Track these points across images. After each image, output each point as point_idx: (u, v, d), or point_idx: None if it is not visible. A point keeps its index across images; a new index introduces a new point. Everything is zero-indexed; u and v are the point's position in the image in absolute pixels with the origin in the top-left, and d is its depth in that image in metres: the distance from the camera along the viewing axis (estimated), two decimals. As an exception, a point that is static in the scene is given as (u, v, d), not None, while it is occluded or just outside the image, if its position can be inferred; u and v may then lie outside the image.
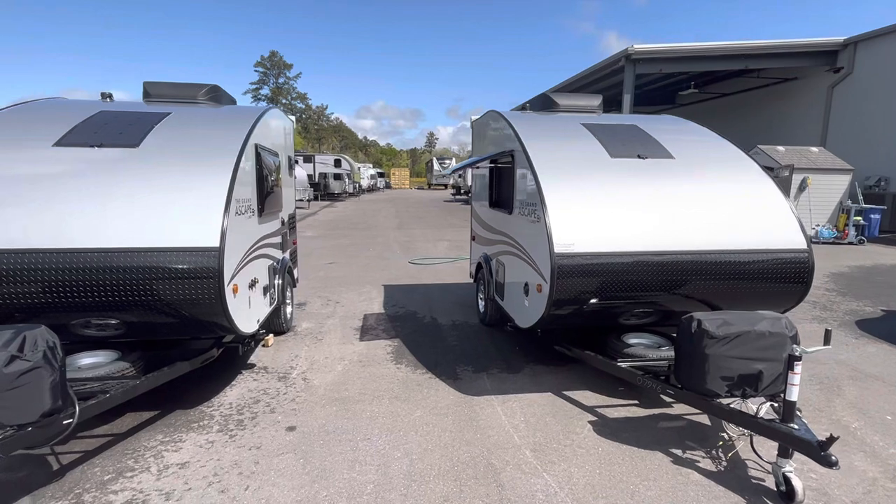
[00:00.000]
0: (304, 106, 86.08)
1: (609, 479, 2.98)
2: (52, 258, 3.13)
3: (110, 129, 4.00)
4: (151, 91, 5.19)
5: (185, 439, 3.39)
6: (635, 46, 16.86)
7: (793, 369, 2.71)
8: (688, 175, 4.24)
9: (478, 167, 6.40)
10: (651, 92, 23.65)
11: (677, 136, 4.82)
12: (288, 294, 5.80)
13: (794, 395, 2.76)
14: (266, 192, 4.60)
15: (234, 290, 3.57)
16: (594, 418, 3.75)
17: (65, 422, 2.74)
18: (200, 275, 3.26)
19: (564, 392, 4.18)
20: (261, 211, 4.42)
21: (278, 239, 5.34)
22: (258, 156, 4.37)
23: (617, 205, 3.93)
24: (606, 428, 3.60)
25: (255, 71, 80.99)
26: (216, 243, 3.31)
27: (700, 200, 4.05)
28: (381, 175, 57.23)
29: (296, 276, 6.40)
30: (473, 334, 5.73)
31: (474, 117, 6.58)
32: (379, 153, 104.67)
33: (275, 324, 5.42)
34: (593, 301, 3.73)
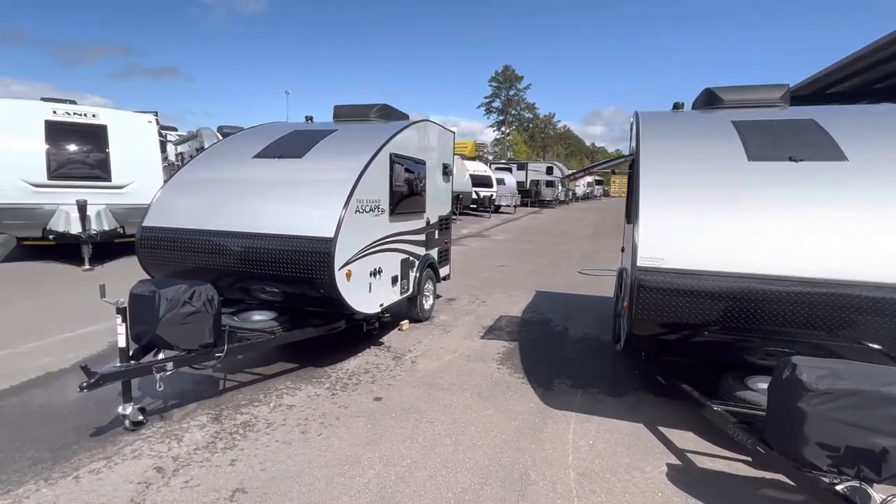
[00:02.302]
0: (531, 115, 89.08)
1: (647, 528, 2.61)
2: (218, 237, 4.36)
3: (292, 144, 5.22)
4: (338, 112, 6.46)
5: (302, 389, 4.25)
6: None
7: (912, 451, 1.94)
8: (859, 182, 3.22)
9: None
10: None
11: (873, 133, 3.67)
12: (429, 288, 6.45)
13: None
14: (401, 195, 5.28)
15: (348, 275, 4.29)
16: (677, 462, 3.23)
17: (216, 354, 3.82)
18: (317, 259, 4.06)
19: (660, 427, 3.67)
20: (392, 211, 5.11)
21: (420, 237, 6.01)
22: (392, 163, 5.06)
23: (736, 217, 3.27)
24: (684, 475, 3.07)
25: (489, 85, 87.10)
26: (331, 234, 4.07)
27: (868, 215, 3.05)
28: (598, 182, 55.26)
29: (443, 273, 7.02)
30: (596, 350, 5.38)
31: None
32: (605, 159, 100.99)
33: (411, 312, 6.11)
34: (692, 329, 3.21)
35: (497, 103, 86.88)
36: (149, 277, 4.54)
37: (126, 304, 3.44)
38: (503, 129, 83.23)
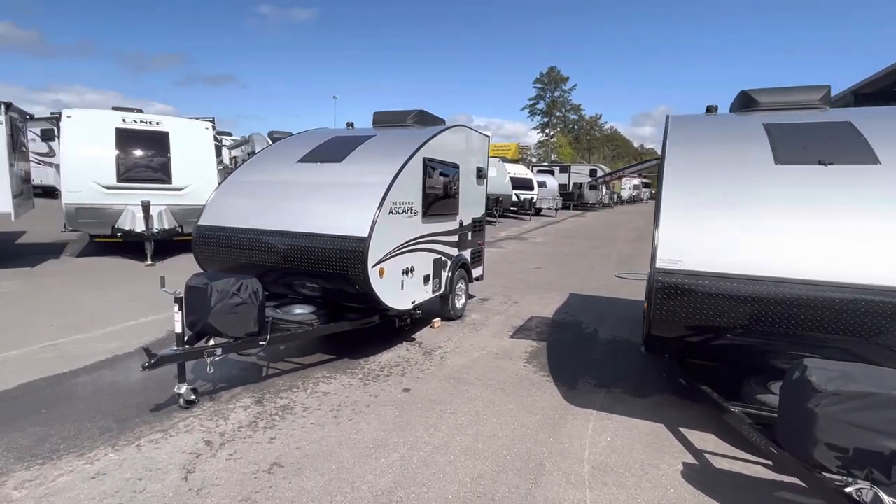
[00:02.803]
0: (577, 117, 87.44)
1: (655, 520, 2.69)
2: (264, 235, 4.73)
3: (333, 149, 5.56)
4: (377, 118, 6.78)
5: (337, 378, 4.54)
6: None
7: (915, 453, 1.96)
8: (889, 186, 3.16)
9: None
10: None
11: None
12: (462, 287, 6.65)
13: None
14: (434, 197, 5.51)
15: (381, 273, 4.56)
16: (694, 461, 3.27)
17: (260, 342, 4.17)
18: (352, 256, 4.35)
19: (681, 428, 3.70)
20: (425, 213, 5.34)
21: (453, 238, 6.23)
22: (426, 167, 5.30)
23: (758, 220, 3.28)
24: (700, 474, 3.12)
25: (534, 87, 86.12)
26: (365, 234, 4.35)
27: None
28: (645, 186, 53.71)
29: (477, 273, 7.20)
30: (624, 353, 5.40)
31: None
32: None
33: (444, 310, 6.32)
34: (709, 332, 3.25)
35: (541, 105, 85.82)
36: (202, 271, 4.97)
37: (182, 295, 3.83)
38: (547, 130, 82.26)
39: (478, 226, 7.11)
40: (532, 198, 25.42)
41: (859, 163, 3.36)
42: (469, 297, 7.18)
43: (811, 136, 3.79)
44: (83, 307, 6.59)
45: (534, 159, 68.70)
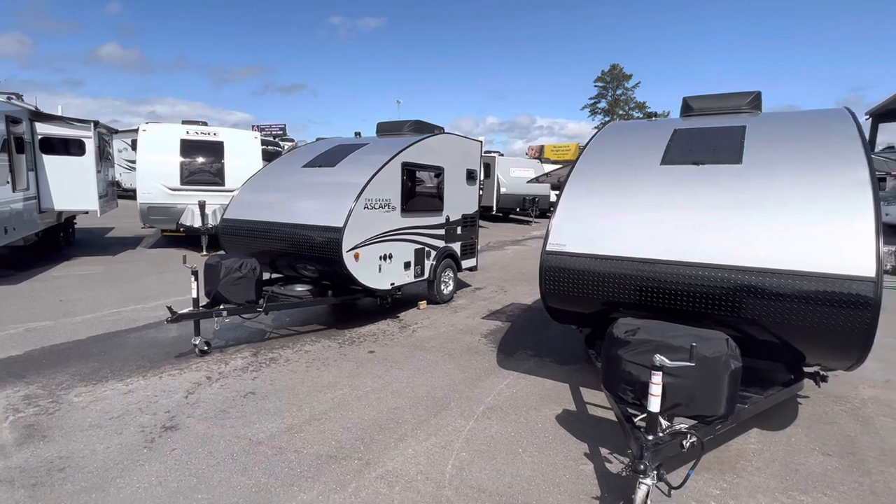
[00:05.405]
0: (641, 115, 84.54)
1: (496, 442, 3.48)
2: (273, 226, 5.88)
3: (332, 155, 6.66)
4: (379, 128, 7.82)
5: (321, 342, 5.61)
6: None
7: (650, 379, 2.66)
8: (738, 183, 3.71)
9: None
10: None
11: (781, 137, 4.07)
12: (450, 275, 7.54)
13: (653, 405, 2.68)
14: (413, 195, 6.46)
15: (356, 257, 5.58)
16: (573, 409, 4.00)
17: (258, 309, 5.32)
18: (331, 243, 5.40)
19: (582, 387, 4.41)
20: (404, 208, 6.30)
21: (438, 232, 7.14)
22: (404, 170, 6.26)
23: (629, 212, 3.94)
24: (570, 416, 3.85)
25: (595, 86, 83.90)
26: (340, 224, 5.38)
27: (740, 210, 3.57)
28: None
29: (468, 264, 8.05)
30: (575, 333, 6.05)
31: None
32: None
33: (430, 295, 7.25)
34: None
35: (603, 104, 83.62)
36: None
37: (197, 269, 5.05)
38: (608, 130, 79.85)
39: (469, 221, 7.96)
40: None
41: (725, 162, 3.92)
42: (465, 286, 8.04)
43: (703, 139, 4.35)
44: (146, 286, 8.16)
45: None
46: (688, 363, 2.66)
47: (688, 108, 5.44)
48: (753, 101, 5.14)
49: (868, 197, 3.20)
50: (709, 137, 4.37)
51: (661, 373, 2.64)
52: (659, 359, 2.66)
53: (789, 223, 3.36)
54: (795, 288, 3.20)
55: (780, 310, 3.28)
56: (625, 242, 3.79)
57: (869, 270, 2.99)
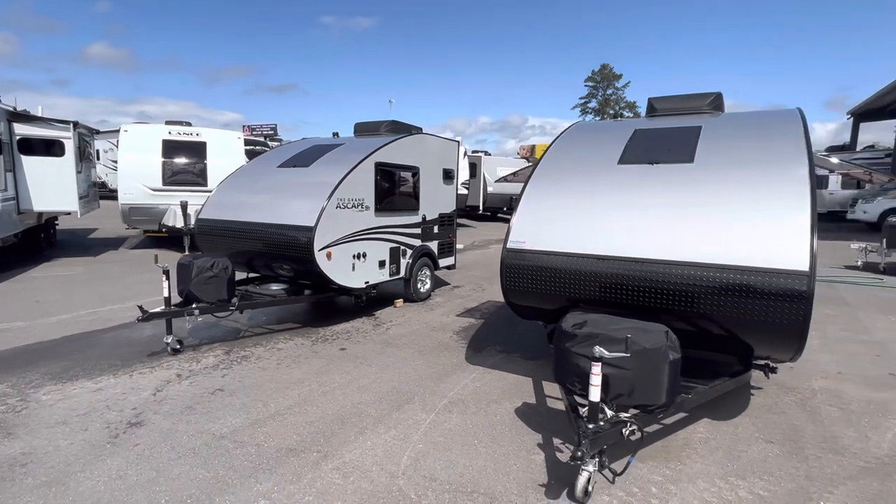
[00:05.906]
0: (632, 115, 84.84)
1: (453, 434, 3.58)
2: (246, 226, 5.94)
3: (307, 155, 6.73)
4: (357, 128, 7.90)
5: (294, 340, 5.68)
6: None
7: (590, 370, 2.78)
8: (687, 181, 3.85)
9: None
10: None
11: (732, 136, 4.22)
12: (427, 273, 7.63)
13: (593, 395, 2.79)
14: (387, 194, 6.55)
15: (328, 256, 5.66)
16: (532, 402, 4.11)
17: (230, 307, 5.39)
18: (303, 242, 5.48)
19: (544, 381, 4.53)
20: (378, 208, 6.39)
21: (414, 231, 7.23)
22: (378, 169, 6.35)
23: (586, 210, 4.06)
24: (529, 409, 3.96)
25: (585, 86, 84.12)
26: (312, 224, 5.46)
27: (688, 207, 3.70)
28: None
29: (446, 263, 8.16)
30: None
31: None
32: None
33: (406, 293, 7.34)
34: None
35: (593, 103, 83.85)
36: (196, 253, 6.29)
37: (168, 268, 5.11)
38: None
39: (446, 220, 8.06)
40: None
41: (678, 162, 4.05)
42: (444, 284, 8.13)
43: (660, 139, 4.48)
44: (125, 286, 8.19)
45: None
46: (624, 354, 2.78)
47: (652, 109, 5.58)
48: (714, 102, 5.28)
49: (806, 194, 3.34)
50: (666, 137, 4.50)
51: (600, 363, 2.75)
52: (598, 350, 2.77)
53: (733, 219, 3.49)
54: (738, 282, 3.33)
55: (725, 304, 3.41)
56: (581, 240, 3.91)
57: (802, 265, 3.13)
